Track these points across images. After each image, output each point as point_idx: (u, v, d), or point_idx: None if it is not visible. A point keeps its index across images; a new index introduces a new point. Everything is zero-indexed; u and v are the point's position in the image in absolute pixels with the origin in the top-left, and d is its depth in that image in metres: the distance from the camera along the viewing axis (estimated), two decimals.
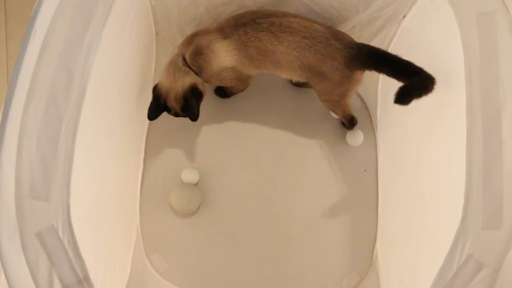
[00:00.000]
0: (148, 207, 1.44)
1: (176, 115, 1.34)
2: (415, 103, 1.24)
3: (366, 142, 1.51)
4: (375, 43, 1.19)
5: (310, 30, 1.18)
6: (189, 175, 1.45)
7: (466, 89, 0.88)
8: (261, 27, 1.19)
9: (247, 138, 1.52)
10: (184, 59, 1.29)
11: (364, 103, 1.55)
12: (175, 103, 1.30)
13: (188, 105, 1.29)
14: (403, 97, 1.04)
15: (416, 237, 1.15)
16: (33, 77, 0.82)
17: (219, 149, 1.51)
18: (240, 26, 1.21)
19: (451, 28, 0.97)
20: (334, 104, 1.38)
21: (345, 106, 1.38)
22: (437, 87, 1.04)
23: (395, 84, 1.41)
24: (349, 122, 1.46)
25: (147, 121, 1.49)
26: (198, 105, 1.31)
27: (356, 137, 1.50)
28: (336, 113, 1.46)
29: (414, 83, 1.04)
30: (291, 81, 1.53)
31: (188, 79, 1.28)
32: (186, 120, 1.32)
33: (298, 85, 1.52)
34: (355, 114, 1.47)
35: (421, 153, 1.20)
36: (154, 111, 1.32)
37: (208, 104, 1.50)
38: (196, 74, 1.30)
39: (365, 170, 1.50)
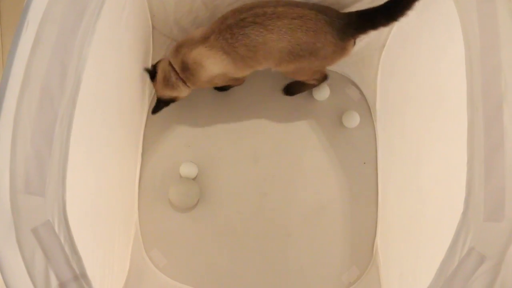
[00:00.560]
0: (146, 202, 1.44)
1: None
2: (414, 93, 1.24)
3: (365, 135, 1.50)
4: (374, 32, 1.19)
5: (296, 10, 1.18)
6: (188, 169, 1.44)
7: (467, 79, 0.86)
8: (246, 22, 1.18)
9: (246, 132, 1.51)
10: (174, 70, 1.30)
11: (363, 95, 1.54)
12: (157, 94, 1.37)
13: (157, 102, 1.37)
14: None
15: (416, 230, 1.14)
16: (26, 70, 0.80)
17: (218, 143, 1.50)
18: (225, 30, 1.20)
19: (451, 16, 0.95)
20: (310, 75, 1.39)
21: (323, 72, 1.40)
22: (437, 77, 1.03)
23: (393, 75, 1.41)
24: (322, 81, 1.45)
25: (144, 114, 1.49)
26: (163, 108, 1.37)
27: (352, 119, 1.49)
28: (307, 81, 1.44)
29: None
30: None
31: (173, 94, 1.34)
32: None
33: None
34: (354, 106, 1.46)
35: (420, 145, 1.19)
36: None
37: (206, 98, 1.51)
38: (186, 83, 1.32)
39: (364, 163, 1.49)
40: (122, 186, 1.34)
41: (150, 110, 1.43)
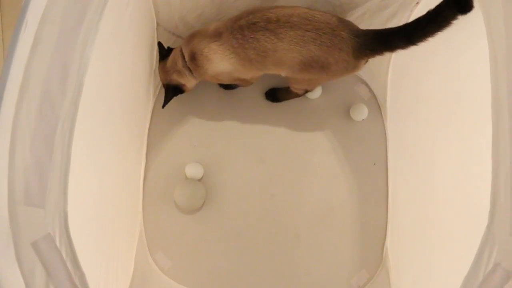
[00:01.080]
0: (151, 204, 1.43)
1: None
2: (429, 93, 1.19)
3: (375, 134, 1.48)
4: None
5: (312, 22, 1.14)
6: (193, 170, 1.43)
7: (491, 82, 0.82)
8: (258, 26, 1.16)
9: (252, 132, 1.49)
10: (184, 58, 1.31)
11: (373, 93, 1.51)
12: (162, 78, 1.40)
13: (166, 92, 1.37)
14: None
15: (429, 236, 1.12)
16: (25, 73, 0.76)
17: (224, 143, 1.49)
18: (237, 30, 1.19)
19: (471, 15, 0.91)
20: (313, 87, 1.42)
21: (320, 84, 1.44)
22: (454, 78, 0.98)
23: (405, 74, 1.38)
24: (306, 92, 1.47)
25: (149, 114, 1.48)
26: (172, 97, 1.37)
27: (361, 111, 1.47)
28: (296, 90, 1.43)
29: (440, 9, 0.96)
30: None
31: (180, 80, 1.35)
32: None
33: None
34: (365, 105, 1.44)
35: (435, 148, 1.17)
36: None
37: (213, 97, 1.50)
38: (192, 73, 1.33)
39: (374, 164, 1.47)
40: (126, 187, 1.32)
41: (155, 109, 1.42)
